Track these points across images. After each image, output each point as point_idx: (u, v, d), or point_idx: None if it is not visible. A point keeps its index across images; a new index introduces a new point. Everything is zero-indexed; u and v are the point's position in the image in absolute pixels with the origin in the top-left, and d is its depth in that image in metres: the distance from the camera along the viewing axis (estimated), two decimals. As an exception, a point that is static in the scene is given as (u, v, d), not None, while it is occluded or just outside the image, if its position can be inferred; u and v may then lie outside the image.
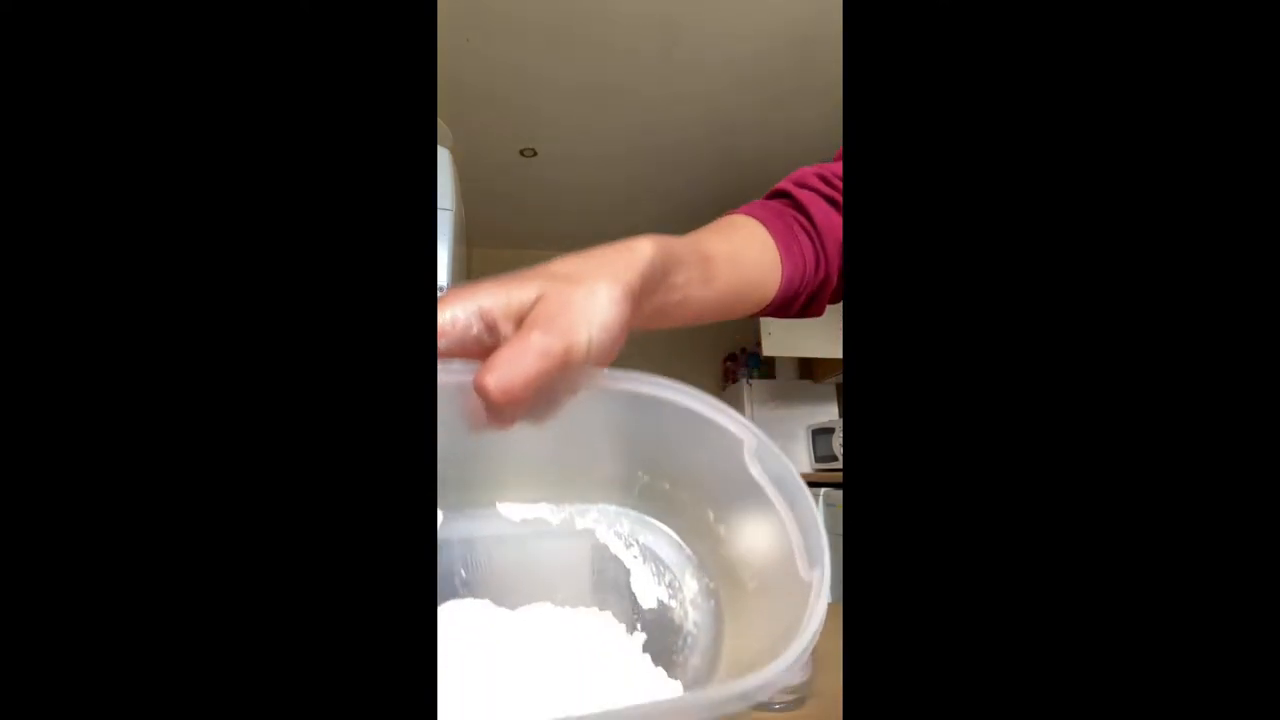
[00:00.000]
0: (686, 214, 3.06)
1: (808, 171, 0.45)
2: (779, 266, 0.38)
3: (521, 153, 2.58)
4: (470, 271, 3.01)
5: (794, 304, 0.42)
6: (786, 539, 0.22)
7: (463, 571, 0.25)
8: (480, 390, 0.21)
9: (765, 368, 3.19)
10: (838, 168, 0.45)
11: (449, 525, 0.25)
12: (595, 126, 2.41)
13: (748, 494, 0.23)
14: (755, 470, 0.23)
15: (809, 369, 3.20)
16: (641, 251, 0.27)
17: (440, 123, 1.96)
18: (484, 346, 0.23)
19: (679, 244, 0.31)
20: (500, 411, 0.21)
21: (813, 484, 2.20)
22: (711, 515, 0.25)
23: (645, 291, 0.26)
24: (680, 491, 0.26)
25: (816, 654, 0.35)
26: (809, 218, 0.42)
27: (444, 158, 1.71)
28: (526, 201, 2.96)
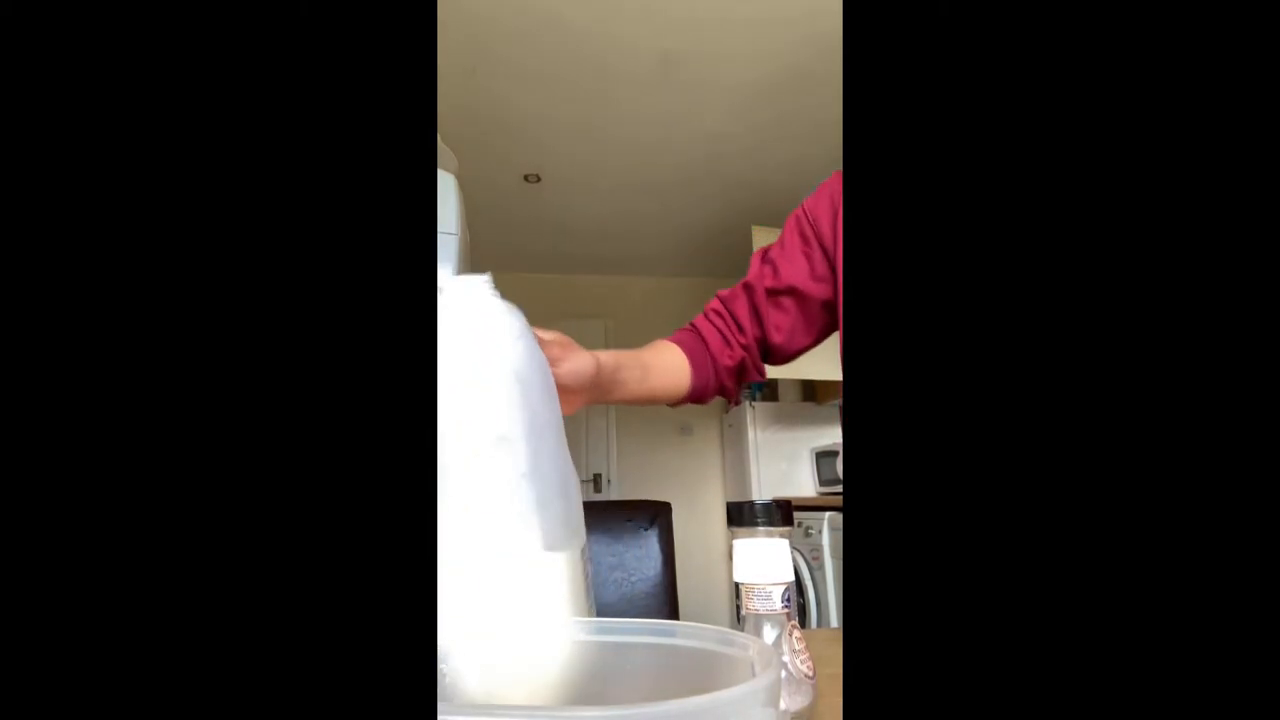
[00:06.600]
0: (685, 237, 3.09)
1: (712, 302, 0.73)
2: (689, 375, 0.68)
3: (526, 178, 2.61)
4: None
5: (704, 398, 0.70)
6: None
7: None
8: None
9: (768, 390, 3.18)
10: (719, 304, 0.72)
11: None
12: (597, 152, 2.45)
13: None
14: None
15: (812, 391, 3.20)
16: (600, 357, 0.55)
17: (447, 149, 1.99)
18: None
19: (626, 355, 0.60)
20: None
21: (818, 508, 2.18)
22: None
23: (603, 371, 0.55)
24: None
25: (818, 679, 0.35)
26: (705, 341, 0.71)
27: (450, 183, 1.73)
28: (531, 226, 2.99)
